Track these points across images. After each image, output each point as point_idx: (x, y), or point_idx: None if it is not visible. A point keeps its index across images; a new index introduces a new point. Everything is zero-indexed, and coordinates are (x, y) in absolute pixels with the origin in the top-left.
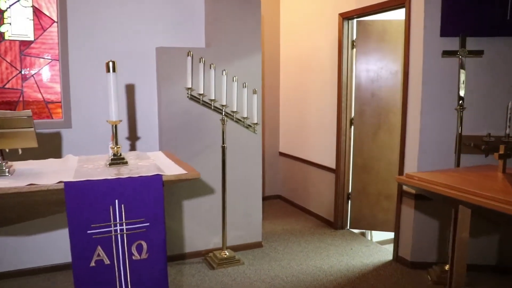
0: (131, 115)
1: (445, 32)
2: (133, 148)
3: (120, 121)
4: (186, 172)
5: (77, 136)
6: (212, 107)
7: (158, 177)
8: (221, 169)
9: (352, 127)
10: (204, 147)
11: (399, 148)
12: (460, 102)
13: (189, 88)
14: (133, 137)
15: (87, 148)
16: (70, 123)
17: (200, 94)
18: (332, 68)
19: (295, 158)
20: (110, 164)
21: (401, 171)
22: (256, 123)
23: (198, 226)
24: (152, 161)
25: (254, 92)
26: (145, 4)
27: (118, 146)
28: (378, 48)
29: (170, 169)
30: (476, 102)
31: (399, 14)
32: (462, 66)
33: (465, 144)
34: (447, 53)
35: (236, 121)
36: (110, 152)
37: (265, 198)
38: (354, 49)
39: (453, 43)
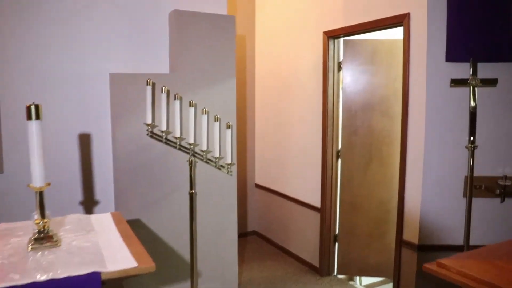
0: (85, 168)
1: (451, 56)
2: (88, 210)
3: (48, 184)
4: (135, 265)
5: (10, 183)
6: (178, 147)
7: (94, 276)
8: (188, 219)
9: (339, 160)
10: (167, 193)
11: (398, 188)
12: (472, 138)
13: (149, 124)
14: (88, 200)
15: (22, 198)
16: (2, 167)
17: (163, 131)
18: (316, 93)
19: (274, 192)
20: (33, 247)
21: (400, 216)
22: (231, 163)
23: (163, 286)
24: (93, 238)
25: (228, 126)
26: (93, 22)
27: (45, 221)
28: (368, 71)
29: (115, 255)
30: (488, 138)
31: (390, 33)
32: (473, 97)
33: (475, 187)
34: (456, 82)
35: (206, 162)
36: (34, 226)
37: (239, 236)
38: (341, 72)
39: (460, 69)
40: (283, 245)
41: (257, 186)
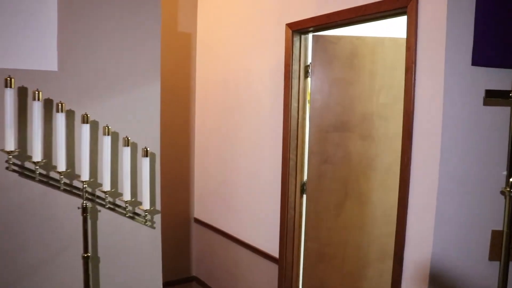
0: None
1: (482, 58)
2: None
3: None
4: None
5: None
6: (62, 187)
7: None
8: None
9: (305, 196)
10: (47, 258)
11: (395, 241)
12: (511, 179)
13: (10, 152)
14: None
15: None
16: None
17: (36, 163)
18: (275, 107)
19: (217, 230)
20: None
21: (396, 281)
22: (152, 210)
23: None
24: None
25: (145, 153)
26: None
27: None
28: (346, 79)
29: None
30: None
31: (374, 29)
32: None
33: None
34: (493, 95)
35: (111, 209)
36: None
37: (174, 283)
38: (309, 79)
39: (494, 78)
40: None
41: (197, 221)
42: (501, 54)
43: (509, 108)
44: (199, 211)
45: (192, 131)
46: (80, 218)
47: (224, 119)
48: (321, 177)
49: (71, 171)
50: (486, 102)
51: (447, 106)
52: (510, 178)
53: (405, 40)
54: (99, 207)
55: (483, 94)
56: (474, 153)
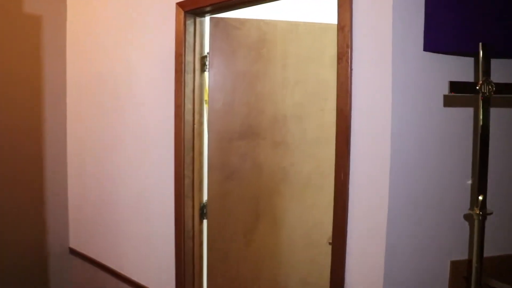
0: None
1: (437, 42)
2: None
3: None
4: None
5: None
6: None
7: None
8: None
9: (205, 221)
10: None
11: (330, 273)
12: (481, 197)
13: None
14: None
15: None
16: None
17: None
18: (164, 109)
19: (98, 265)
20: None
21: None
22: None
23: None
24: None
25: None
26: None
27: None
28: (253, 73)
29: None
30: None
31: (286, 11)
32: (484, 115)
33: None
34: (458, 89)
35: None
36: None
37: None
38: (206, 73)
39: (453, 66)
40: None
41: (73, 252)
42: (463, 37)
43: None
44: (75, 240)
45: (52, 137)
46: None
47: (101, 126)
48: (226, 196)
49: None
50: (447, 101)
51: (397, 102)
52: (479, 196)
53: (324, 25)
54: None
55: (441, 87)
56: (434, 159)
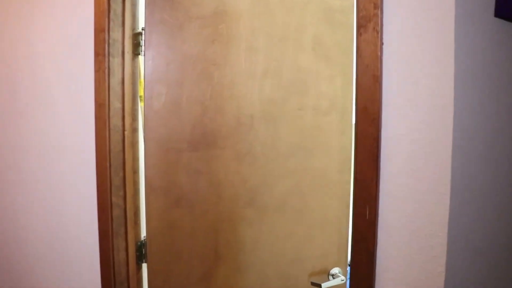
0: None
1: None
2: None
3: None
4: None
5: None
6: None
7: None
8: None
9: (145, 265)
10: None
11: None
12: None
13: None
14: None
15: None
16: None
17: None
18: (80, 109)
19: None
20: None
21: None
22: None
23: None
24: None
25: None
26: None
27: None
28: (208, 57)
29: None
30: None
31: None
32: None
33: None
34: None
35: None
36: None
37: None
38: (141, 56)
39: None
40: None
41: None
42: None
43: None
44: None
45: None
46: None
47: None
48: (172, 230)
49: None
50: None
51: (461, 95)
52: None
53: None
54: None
55: None
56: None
